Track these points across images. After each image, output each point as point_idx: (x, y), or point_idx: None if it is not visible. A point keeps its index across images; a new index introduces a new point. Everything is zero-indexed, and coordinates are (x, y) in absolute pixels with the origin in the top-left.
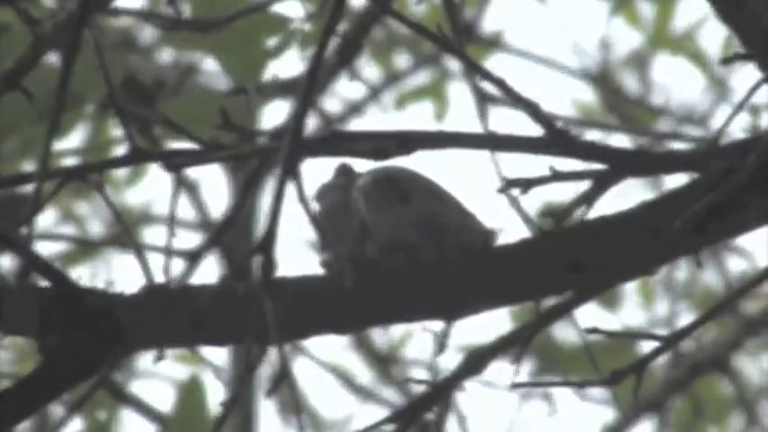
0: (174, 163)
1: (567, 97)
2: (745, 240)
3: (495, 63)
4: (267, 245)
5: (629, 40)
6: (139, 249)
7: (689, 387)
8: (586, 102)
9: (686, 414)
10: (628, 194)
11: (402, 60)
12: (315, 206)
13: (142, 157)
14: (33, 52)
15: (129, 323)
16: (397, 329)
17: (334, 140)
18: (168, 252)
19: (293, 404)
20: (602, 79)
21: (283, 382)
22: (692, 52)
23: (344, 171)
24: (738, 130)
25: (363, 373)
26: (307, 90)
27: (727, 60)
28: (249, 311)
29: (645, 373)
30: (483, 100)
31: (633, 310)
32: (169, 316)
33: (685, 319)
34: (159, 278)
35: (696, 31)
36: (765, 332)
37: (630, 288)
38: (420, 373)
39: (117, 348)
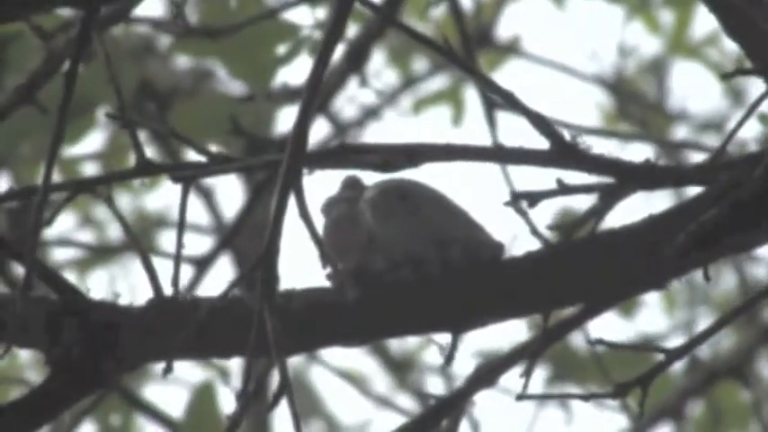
0: (182, 175)
1: (585, 104)
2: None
3: (512, 69)
4: (269, 258)
5: (648, 46)
6: (147, 260)
7: (707, 394)
8: (605, 108)
9: (705, 421)
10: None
11: (420, 64)
12: (322, 219)
13: (150, 169)
14: (46, 66)
15: (137, 336)
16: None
17: (341, 153)
18: (177, 263)
19: (294, 418)
20: (619, 86)
21: (283, 396)
22: (711, 59)
23: (352, 183)
24: (753, 141)
25: (381, 380)
26: (308, 103)
27: (728, 75)
28: (256, 324)
29: (651, 385)
30: (492, 109)
31: (654, 317)
32: (176, 329)
33: (705, 326)
34: (169, 287)
35: (715, 38)
36: None
37: (651, 295)
38: (436, 380)
39: (124, 361)
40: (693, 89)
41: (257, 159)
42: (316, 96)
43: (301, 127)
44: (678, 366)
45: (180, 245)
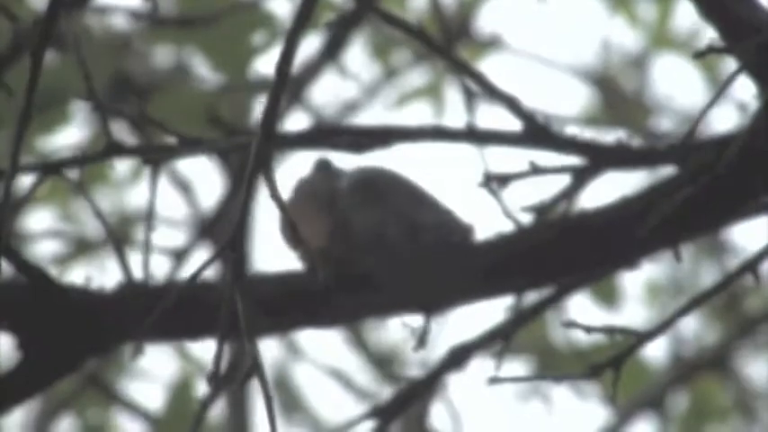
0: (152, 158)
1: (568, 99)
2: (746, 241)
3: (493, 63)
4: (238, 238)
5: (630, 40)
6: (120, 248)
7: (689, 386)
8: (588, 103)
9: (687, 414)
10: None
11: (400, 58)
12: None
13: (117, 151)
14: (14, 48)
15: (108, 319)
16: (396, 329)
17: (314, 135)
18: (146, 246)
19: (265, 400)
20: (601, 80)
21: (252, 378)
22: (693, 52)
23: (323, 165)
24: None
25: (363, 375)
26: (278, 83)
27: (700, 54)
28: (226, 307)
29: (623, 368)
30: (469, 96)
31: (638, 309)
32: (147, 312)
33: (688, 318)
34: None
35: (697, 31)
36: (766, 332)
37: (635, 287)
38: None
39: (96, 345)
40: (676, 83)
41: (228, 141)
42: (287, 73)
43: (271, 107)
44: (661, 361)
45: (149, 227)
